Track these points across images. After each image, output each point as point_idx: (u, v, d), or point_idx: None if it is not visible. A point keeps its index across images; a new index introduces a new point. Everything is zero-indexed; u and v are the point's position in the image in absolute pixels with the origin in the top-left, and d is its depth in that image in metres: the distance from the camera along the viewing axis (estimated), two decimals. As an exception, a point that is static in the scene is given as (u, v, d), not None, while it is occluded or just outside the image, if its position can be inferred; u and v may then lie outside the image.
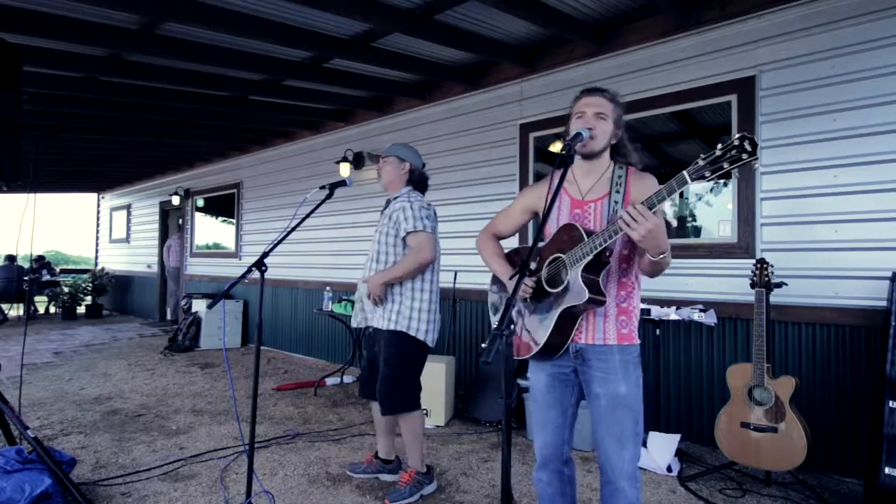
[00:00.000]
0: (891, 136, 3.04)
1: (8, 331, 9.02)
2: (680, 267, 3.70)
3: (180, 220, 9.87)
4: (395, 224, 2.86)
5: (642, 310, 3.53)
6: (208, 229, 9.32)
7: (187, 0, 3.56)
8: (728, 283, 3.57)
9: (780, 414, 2.82)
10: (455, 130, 5.25)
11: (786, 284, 3.15)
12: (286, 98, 5.53)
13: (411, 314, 2.83)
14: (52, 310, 11.86)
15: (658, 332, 3.64)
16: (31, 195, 3.24)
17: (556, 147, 4.50)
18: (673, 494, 2.98)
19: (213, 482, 3.06)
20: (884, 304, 3.01)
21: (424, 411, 4.06)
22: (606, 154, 1.93)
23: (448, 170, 5.21)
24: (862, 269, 3.12)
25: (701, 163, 1.51)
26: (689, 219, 3.98)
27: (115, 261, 12.40)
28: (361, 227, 6.17)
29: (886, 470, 2.53)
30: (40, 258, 12.72)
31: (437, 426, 4.12)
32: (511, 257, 2.13)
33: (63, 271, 13.69)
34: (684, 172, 1.53)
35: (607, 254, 1.77)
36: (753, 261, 3.06)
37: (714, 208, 3.80)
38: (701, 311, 3.43)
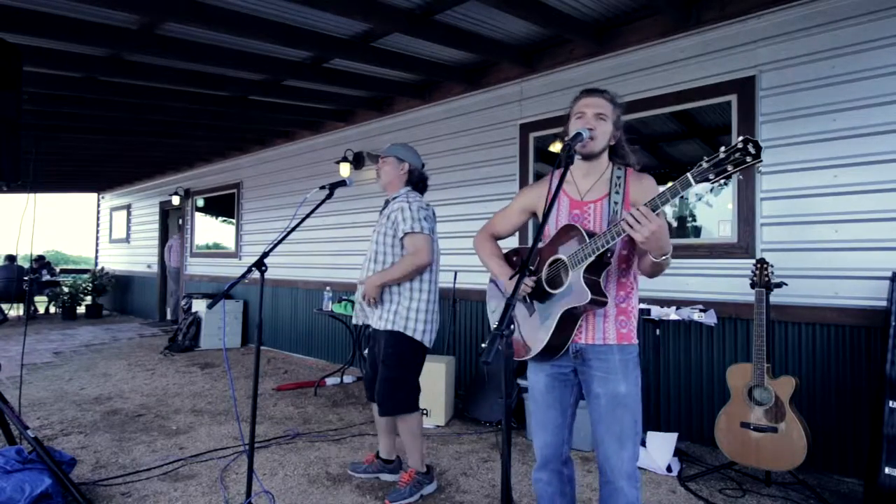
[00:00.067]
0: (891, 136, 3.05)
1: (8, 331, 9.02)
2: (680, 267, 3.70)
3: (180, 220, 9.87)
4: (394, 224, 2.85)
5: (642, 310, 3.53)
6: (208, 229, 9.32)
7: (187, 0, 3.56)
8: (728, 283, 3.57)
9: (780, 414, 2.82)
10: (455, 130, 5.25)
11: (786, 284, 3.15)
12: (286, 98, 5.53)
13: (409, 314, 2.83)
14: (52, 310, 11.86)
15: (658, 332, 3.64)
16: (31, 195, 3.24)
17: (556, 147, 4.50)
18: (673, 494, 2.98)
19: (213, 482, 3.06)
20: (884, 304, 3.01)
21: (424, 411, 4.08)
22: (605, 155, 1.93)
23: (448, 170, 5.21)
24: (862, 269, 3.12)
25: (705, 165, 1.51)
26: (689, 219, 3.98)
27: (115, 261, 12.40)
28: (361, 227, 6.16)
29: (886, 470, 2.53)
30: (40, 258, 12.73)
31: (437, 426, 4.12)
32: (510, 258, 2.13)
33: (63, 271, 13.70)
34: (688, 175, 1.53)
35: (609, 255, 1.77)
36: (753, 261, 3.06)
37: (714, 208, 3.81)
38: (701, 311, 3.43)
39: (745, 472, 3.15)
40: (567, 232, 1.84)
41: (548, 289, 1.85)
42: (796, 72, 3.35)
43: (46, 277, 11.96)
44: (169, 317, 10.23)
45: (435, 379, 4.10)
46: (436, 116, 5.45)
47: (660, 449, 3.32)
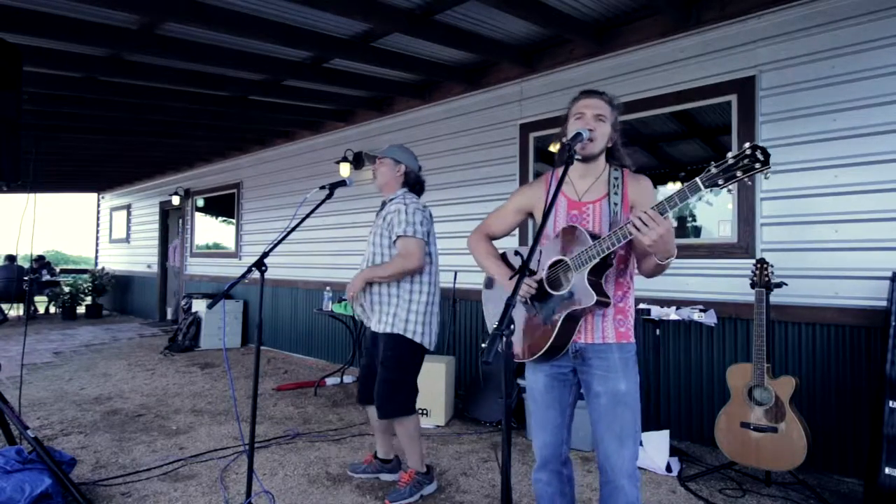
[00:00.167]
0: (891, 136, 3.04)
1: (8, 331, 9.02)
2: (680, 267, 3.70)
3: (181, 220, 9.87)
4: (389, 226, 2.85)
5: (642, 310, 3.53)
6: (208, 229, 9.32)
7: (187, 0, 3.56)
8: (728, 283, 3.57)
9: (780, 414, 2.82)
10: (455, 130, 5.25)
11: (786, 284, 3.15)
12: (286, 98, 5.53)
13: (408, 317, 2.83)
14: (52, 310, 11.86)
15: (658, 332, 3.64)
16: (31, 195, 3.24)
17: (555, 147, 4.49)
18: (673, 494, 2.98)
19: (213, 482, 3.06)
20: (884, 304, 3.01)
21: (424, 411, 4.08)
22: (602, 156, 1.93)
23: (448, 170, 5.21)
24: (862, 269, 3.12)
25: (714, 170, 1.52)
26: (690, 219, 3.98)
27: (115, 261, 12.40)
28: (361, 227, 6.16)
29: (886, 470, 2.53)
30: (40, 258, 12.72)
31: (437, 426, 4.12)
32: (507, 258, 2.12)
33: (63, 271, 13.69)
34: (697, 180, 1.54)
35: (612, 257, 1.77)
36: (753, 261, 3.06)
37: (714, 208, 3.80)
38: (701, 311, 3.43)
39: (745, 472, 3.15)
40: (569, 233, 1.84)
41: (550, 290, 1.85)
42: (796, 72, 3.35)
43: (46, 277, 11.96)
44: (169, 317, 10.23)
45: (435, 379, 4.10)
46: (436, 116, 5.45)
47: (656, 448, 3.32)
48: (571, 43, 4.27)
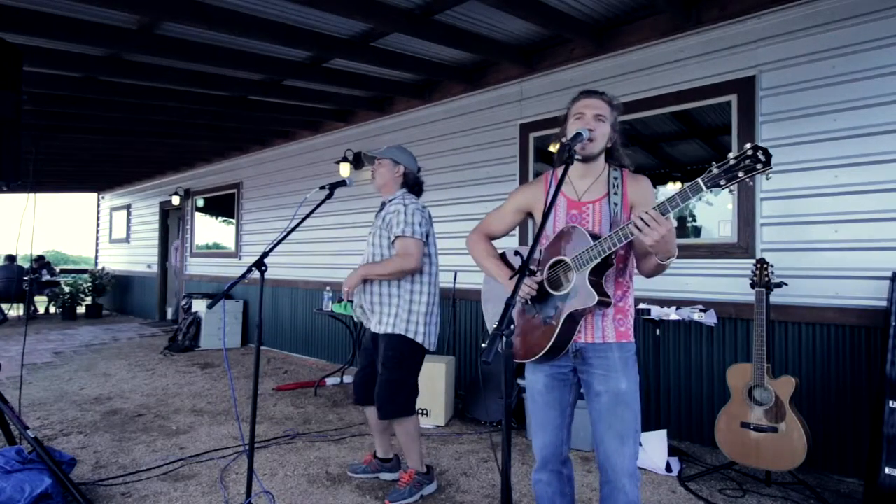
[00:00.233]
0: (891, 136, 3.04)
1: (8, 331, 9.02)
2: (680, 267, 3.70)
3: (181, 221, 9.87)
4: (388, 226, 2.85)
5: (642, 310, 3.53)
6: (208, 229, 9.32)
7: (187, 0, 3.56)
8: (728, 283, 3.57)
9: (780, 414, 2.82)
10: (455, 130, 5.25)
11: (786, 284, 3.15)
12: (286, 98, 5.53)
13: (409, 317, 2.83)
14: (52, 310, 11.86)
15: (658, 332, 3.64)
16: (31, 195, 3.24)
17: (555, 147, 4.49)
18: (673, 494, 2.98)
19: (213, 482, 3.06)
20: (884, 304, 3.01)
21: (423, 411, 4.08)
22: (602, 156, 1.93)
23: (448, 170, 5.21)
24: (862, 269, 3.12)
25: (716, 171, 1.52)
26: (690, 219, 3.98)
27: (115, 261, 12.40)
28: (361, 227, 6.16)
29: (886, 470, 2.53)
30: (40, 258, 12.72)
31: (437, 426, 4.12)
32: (507, 258, 2.12)
33: (63, 271, 13.70)
34: (699, 180, 1.54)
35: (613, 257, 1.77)
36: (753, 261, 3.06)
37: (714, 208, 3.80)
38: (701, 311, 3.43)
39: (746, 473, 3.15)
40: (569, 234, 1.84)
41: (550, 290, 1.85)
42: (796, 72, 3.35)
43: (46, 277, 11.96)
44: (169, 317, 10.23)
45: (435, 379, 4.10)
46: (436, 116, 5.45)
47: (655, 447, 3.32)
48: (571, 43, 4.27)
